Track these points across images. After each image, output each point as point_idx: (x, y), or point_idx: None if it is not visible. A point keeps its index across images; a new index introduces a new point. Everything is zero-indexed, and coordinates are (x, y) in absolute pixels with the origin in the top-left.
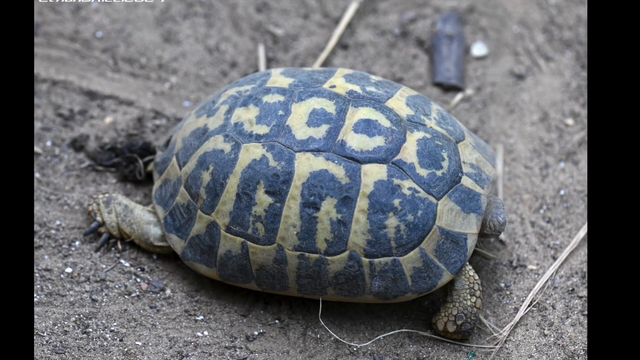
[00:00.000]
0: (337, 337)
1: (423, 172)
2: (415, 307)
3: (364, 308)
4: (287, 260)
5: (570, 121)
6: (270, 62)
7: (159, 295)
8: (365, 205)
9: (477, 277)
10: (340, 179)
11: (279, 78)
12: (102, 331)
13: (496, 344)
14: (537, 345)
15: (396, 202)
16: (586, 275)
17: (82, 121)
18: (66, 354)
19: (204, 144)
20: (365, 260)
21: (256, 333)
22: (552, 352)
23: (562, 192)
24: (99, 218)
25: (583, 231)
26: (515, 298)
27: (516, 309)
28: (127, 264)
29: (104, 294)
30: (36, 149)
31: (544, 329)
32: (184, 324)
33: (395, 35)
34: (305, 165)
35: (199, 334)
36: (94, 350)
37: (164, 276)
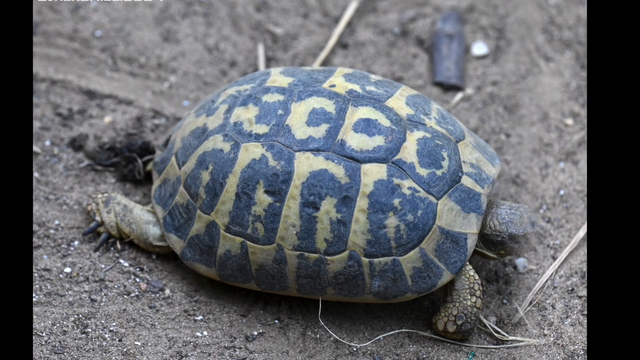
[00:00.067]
0: (337, 337)
1: (423, 171)
2: (415, 307)
3: (364, 308)
4: (286, 260)
5: (569, 121)
6: (270, 61)
7: (158, 295)
8: (365, 204)
9: (477, 277)
10: (340, 179)
11: (278, 77)
12: (101, 331)
13: (496, 344)
14: (536, 345)
15: (396, 201)
16: (586, 275)
17: (81, 120)
18: (65, 354)
19: (204, 143)
20: (365, 260)
21: (256, 333)
22: (552, 352)
23: (561, 192)
24: (98, 218)
25: (583, 231)
26: (515, 298)
27: (516, 309)
28: (126, 264)
29: (103, 293)
30: (35, 148)
31: (543, 329)
32: (183, 324)
33: (395, 35)
34: (305, 164)
35: (198, 334)
36: (93, 350)
37: (163, 276)
